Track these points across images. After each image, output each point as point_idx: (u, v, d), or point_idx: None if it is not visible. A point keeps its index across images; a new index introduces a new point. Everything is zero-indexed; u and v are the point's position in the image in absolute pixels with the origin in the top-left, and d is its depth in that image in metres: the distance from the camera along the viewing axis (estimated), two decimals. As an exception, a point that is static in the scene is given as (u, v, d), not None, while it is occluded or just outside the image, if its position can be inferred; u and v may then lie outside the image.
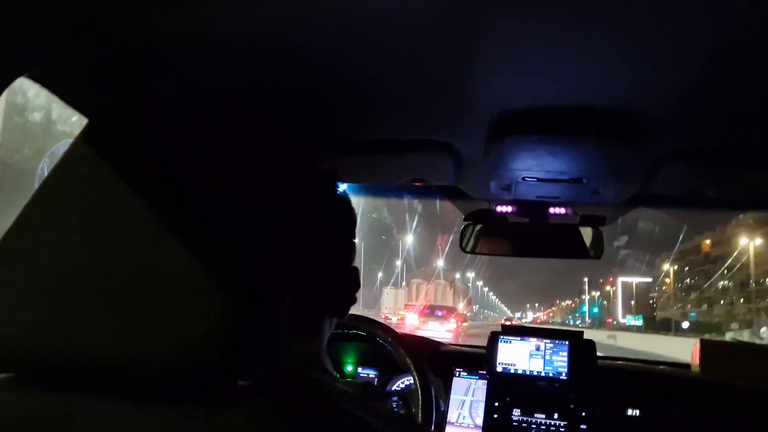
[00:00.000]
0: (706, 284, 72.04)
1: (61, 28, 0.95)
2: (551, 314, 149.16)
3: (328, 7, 0.86)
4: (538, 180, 1.51)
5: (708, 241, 72.96)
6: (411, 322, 24.61)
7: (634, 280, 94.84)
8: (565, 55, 0.95)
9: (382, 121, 1.31)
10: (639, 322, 61.57)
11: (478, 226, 1.92)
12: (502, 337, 2.08)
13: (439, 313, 25.11)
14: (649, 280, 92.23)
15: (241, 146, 0.57)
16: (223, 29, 0.95)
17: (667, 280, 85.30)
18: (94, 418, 0.48)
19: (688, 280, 78.44)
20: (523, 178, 1.51)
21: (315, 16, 0.89)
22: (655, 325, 62.29)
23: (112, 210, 0.50)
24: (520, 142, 1.30)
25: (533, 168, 1.43)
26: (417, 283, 42.48)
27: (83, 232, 0.50)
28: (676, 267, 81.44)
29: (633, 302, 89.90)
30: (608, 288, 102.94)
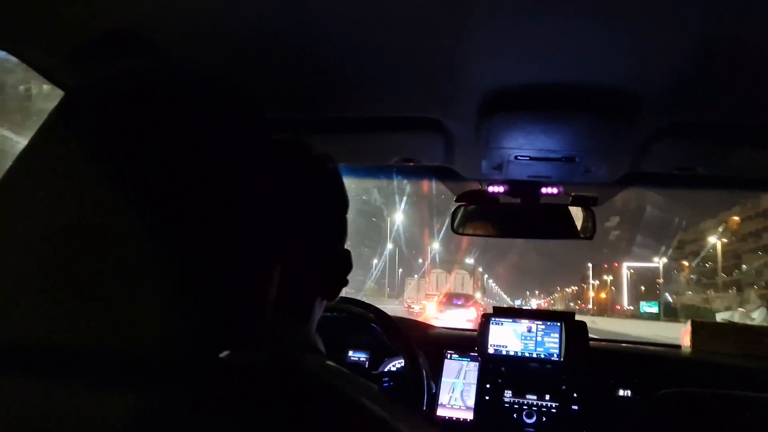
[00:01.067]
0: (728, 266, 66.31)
1: (41, 2, 0.92)
2: (552, 302, 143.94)
3: None
4: (530, 159, 1.49)
5: (737, 218, 67.25)
6: (430, 312, 24.37)
7: (640, 265, 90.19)
8: (556, 32, 0.93)
9: (372, 100, 1.29)
10: (654, 309, 57.62)
11: (470, 207, 1.90)
12: (493, 318, 2.07)
13: (458, 302, 24.76)
14: (656, 265, 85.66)
15: (226, 126, 0.55)
16: (208, 7, 0.93)
17: (685, 263, 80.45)
18: (73, 405, 0.46)
19: (706, 264, 73.38)
20: (515, 157, 1.49)
21: None
22: (675, 312, 57.01)
23: (85, 189, 0.48)
24: (512, 120, 1.28)
25: (525, 146, 1.42)
26: (437, 273, 42.52)
27: (55, 214, 0.48)
28: (693, 248, 77.10)
29: (642, 288, 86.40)
30: (606, 276, 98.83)
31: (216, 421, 0.47)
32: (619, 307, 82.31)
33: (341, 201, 0.84)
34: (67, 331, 0.46)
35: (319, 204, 0.80)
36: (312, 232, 0.78)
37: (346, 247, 0.85)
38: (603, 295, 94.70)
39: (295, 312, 0.76)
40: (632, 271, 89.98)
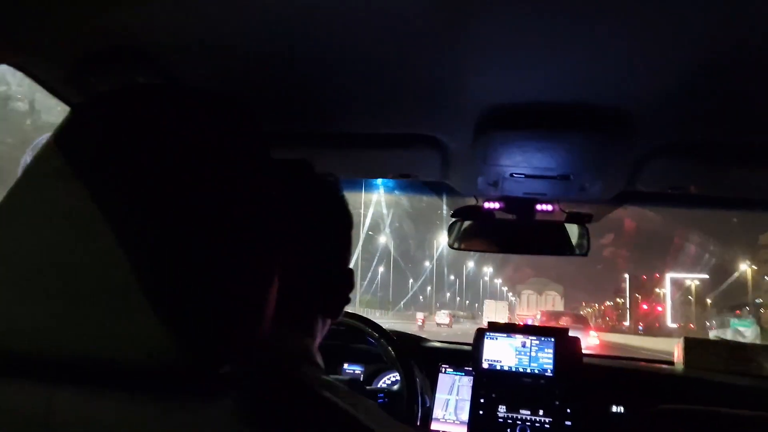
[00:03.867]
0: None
1: (45, 17, 0.94)
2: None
3: (316, 3, 0.85)
4: (526, 176, 1.51)
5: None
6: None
7: (687, 276, 72.85)
8: (552, 52, 0.95)
9: (369, 116, 1.31)
10: (748, 329, 46.35)
11: (466, 223, 1.92)
12: (488, 333, 2.08)
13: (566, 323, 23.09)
14: (705, 276, 71.27)
15: (226, 141, 0.56)
16: (210, 23, 0.94)
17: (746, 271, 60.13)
18: (74, 411, 0.47)
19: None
20: (511, 175, 1.51)
21: (304, 12, 0.88)
22: None
23: (88, 202, 0.49)
24: (508, 138, 1.30)
25: (521, 164, 1.43)
26: (528, 294, 42.03)
27: (60, 226, 0.49)
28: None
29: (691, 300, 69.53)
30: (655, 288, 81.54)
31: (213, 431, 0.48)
32: (692, 326, 63.95)
33: (343, 217, 0.85)
34: (72, 341, 0.47)
35: (319, 220, 0.81)
36: (312, 248, 0.78)
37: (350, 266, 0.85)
38: (658, 309, 75.72)
39: (296, 327, 0.76)
40: (694, 283, 71.95)
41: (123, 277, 0.47)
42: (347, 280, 0.84)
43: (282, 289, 0.59)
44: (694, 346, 2.17)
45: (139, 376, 0.47)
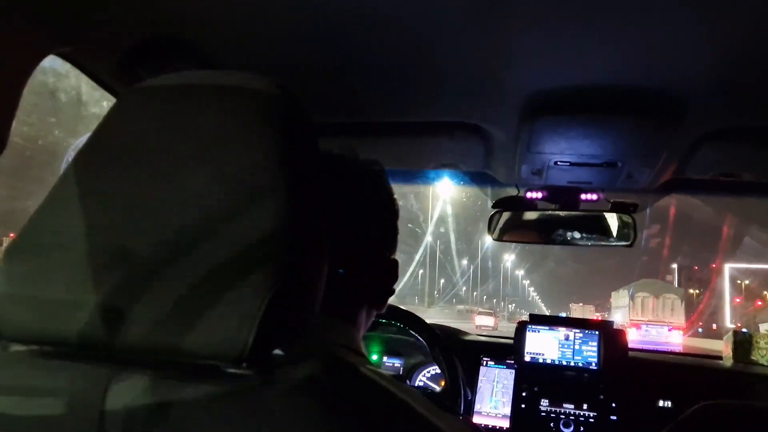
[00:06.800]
0: None
1: (92, 6, 0.95)
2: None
3: None
4: (570, 164, 1.48)
5: None
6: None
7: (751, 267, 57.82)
8: (598, 35, 0.92)
9: (410, 105, 1.30)
10: None
11: (507, 214, 1.89)
12: (530, 326, 2.05)
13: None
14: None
15: (279, 133, 0.55)
16: (250, 14, 0.94)
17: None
18: (130, 395, 0.47)
19: None
20: (555, 163, 1.48)
21: (347, 3, 0.87)
22: None
23: (144, 192, 0.49)
24: (553, 124, 1.27)
25: (565, 151, 1.40)
26: (642, 297, 36.32)
27: (113, 211, 0.49)
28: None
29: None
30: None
31: (275, 410, 0.47)
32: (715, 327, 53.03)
33: (388, 207, 0.84)
34: (133, 326, 0.47)
35: (365, 209, 0.80)
36: (358, 237, 0.78)
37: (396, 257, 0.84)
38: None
39: (342, 316, 0.76)
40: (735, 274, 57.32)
41: (182, 263, 0.47)
42: (392, 271, 0.83)
43: (329, 278, 0.59)
44: (743, 340, 2.11)
45: (195, 361, 0.47)
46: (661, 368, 1.99)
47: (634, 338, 22.80)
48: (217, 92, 0.56)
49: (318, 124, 1.37)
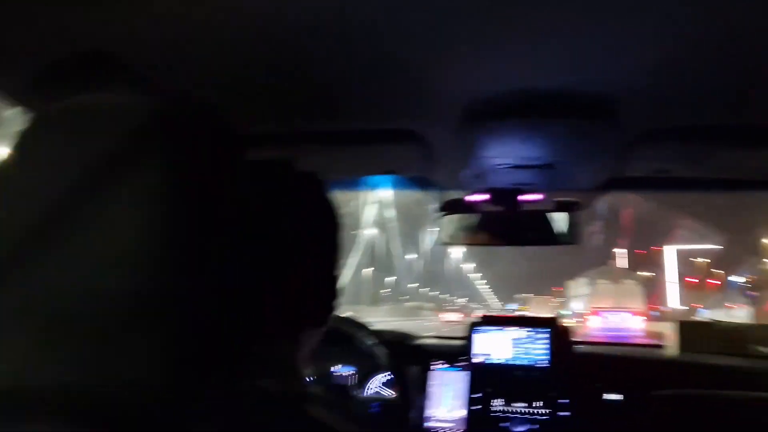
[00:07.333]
0: None
1: (5, 21, 0.89)
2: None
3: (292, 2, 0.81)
4: (511, 167, 1.48)
5: None
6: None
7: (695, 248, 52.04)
8: (534, 40, 0.92)
9: (352, 113, 1.28)
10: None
11: (454, 217, 1.89)
12: (480, 327, 2.06)
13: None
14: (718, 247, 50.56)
15: (205, 146, 0.52)
16: (177, 27, 0.90)
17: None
18: None
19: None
20: (495, 166, 1.48)
21: (277, 8, 0.84)
22: None
23: (49, 224, 0.46)
24: (491, 129, 1.27)
25: (505, 155, 1.41)
26: (602, 284, 36.58)
27: (23, 243, 0.46)
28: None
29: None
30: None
31: None
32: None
33: (329, 220, 0.80)
34: (39, 371, 0.43)
35: (304, 223, 0.76)
36: (297, 254, 0.73)
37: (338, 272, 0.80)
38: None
39: (282, 338, 0.72)
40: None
41: (99, 297, 0.44)
42: (333, 288, 0.80)
43: (267, 298, 0.56)
44: (687, 329, 2.17)
45: (116, 405, 0.44)
46: (610, 361, 2.03)
47: (596, 326, 23.42)
48: (136, 117, 0.53)
49: (254, 136, 1.34)
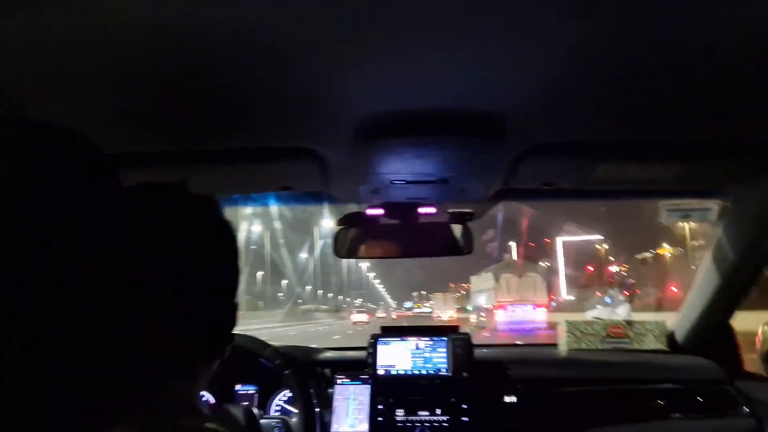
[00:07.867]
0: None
1: None
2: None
3: (182, 13, 0.78)
4: (407, 182, 1.52)
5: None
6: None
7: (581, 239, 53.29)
8: (423, 60, 0.95)
9: (244, 131, 1.25)
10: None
11: (352, 230, 1.90)
12: (381, 339, 2.08)
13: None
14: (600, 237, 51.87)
15: (77, 171, 0.49)
16: (52, 47, 0.84)
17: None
18: None
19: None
20: (391, 182, 1.51)
21: (169, 24, 0.80)
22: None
23: None
24: (386, 146, 1.29)
25: (400, 171, 1.44)
26: (506, 278, 36.37)
27: None
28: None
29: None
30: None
31: None
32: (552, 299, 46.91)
33: (225, 243, 0.76)
34: None
35: (197, 248, 0.71)
36: (190, 282, 0.69)
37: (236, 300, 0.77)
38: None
39: (176, 372, 0.68)
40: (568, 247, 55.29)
41: None
42: (231, 317, 0.76)
43: (158, 331, 0.54)
44: (573, 328, 2.30)
45: None
46: (505, 365, 2.11)
47: (501, 320, 24.51)
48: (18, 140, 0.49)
49: (143, 155, 1.28)
